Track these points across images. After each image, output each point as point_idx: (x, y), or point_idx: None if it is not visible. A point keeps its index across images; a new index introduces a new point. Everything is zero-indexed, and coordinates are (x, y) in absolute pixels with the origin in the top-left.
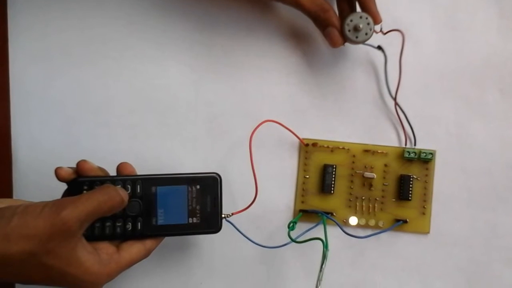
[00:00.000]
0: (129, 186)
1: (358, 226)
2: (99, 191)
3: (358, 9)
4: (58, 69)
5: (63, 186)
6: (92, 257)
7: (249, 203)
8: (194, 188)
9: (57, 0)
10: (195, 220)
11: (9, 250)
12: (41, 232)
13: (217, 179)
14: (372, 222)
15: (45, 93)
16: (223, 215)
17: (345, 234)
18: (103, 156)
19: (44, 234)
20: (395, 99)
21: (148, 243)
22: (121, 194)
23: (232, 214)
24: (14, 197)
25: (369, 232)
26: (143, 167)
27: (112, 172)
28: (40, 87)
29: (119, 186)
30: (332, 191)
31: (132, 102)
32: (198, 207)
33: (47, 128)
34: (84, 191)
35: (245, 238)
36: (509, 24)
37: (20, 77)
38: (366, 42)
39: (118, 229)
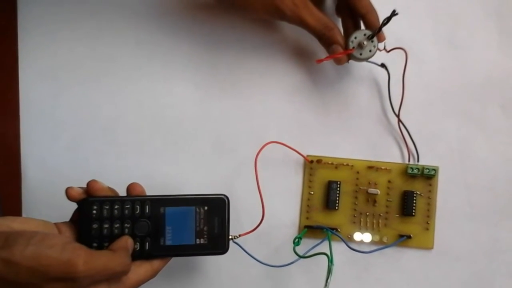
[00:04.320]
0: (138, 207)
1: (363, 241)
2: (119, 261)
3: (362, 26)
4: (66, 87)
5: (72, 204)
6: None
7: (255, 221)
8: (202, 209)
9: (66, 20)
10: (202, 241)
11: (16, 279)
12: (51, 272)
13: (225, 200)
14: (376, 238)
15: (53, 112)
16: (230, 237)
17: (350, 250)
18: (110, 174)
19: (54, 275)
20: (398, 116)
21: (156, 263)
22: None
23: (240, 235)
24: (24, 215)
25: (373, 247)
26: (149, 185)
27: (120, 190)
28: (49, 106)
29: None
30: (336, 207)
31: (140, 120)
32: (205, 228)
33: (56, 146)
34: (94, 212)
35: (251, 256)
36: (509, 41)
37: (30, 96)
38: (370, 60)
39: None
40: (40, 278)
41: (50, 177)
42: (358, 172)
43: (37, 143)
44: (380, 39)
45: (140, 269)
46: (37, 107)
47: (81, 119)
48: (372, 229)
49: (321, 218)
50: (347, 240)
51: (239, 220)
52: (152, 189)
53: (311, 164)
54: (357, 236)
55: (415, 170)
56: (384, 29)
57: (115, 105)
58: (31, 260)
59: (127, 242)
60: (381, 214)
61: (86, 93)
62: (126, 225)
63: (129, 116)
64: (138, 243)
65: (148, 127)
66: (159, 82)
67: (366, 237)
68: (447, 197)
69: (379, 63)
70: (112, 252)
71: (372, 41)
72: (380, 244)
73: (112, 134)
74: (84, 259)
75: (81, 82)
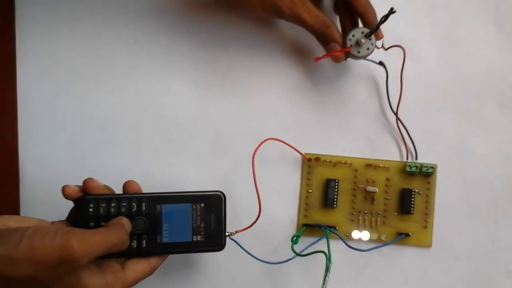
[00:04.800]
0: (134, 204)
1: (361, 240)
2: (114, 233)
3: (360, 24)
4: (64, 86)
5: (70, 203)
6: (98, 280)
7: (253, 218)
8: (198, 206)
9: (64, 19)
10: (199, 238)
11: (14, 273)
12: (48, 260)
13: (221, 197)
14: (374, 236)
15: (52, 111)
16: (227, 233)
17: (348, 248)
18: (108, 173)
19: (52, 262)
20: (396, 113)
21: (153, 260)
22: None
23: (236, 232)
24: (22, 213)
25: (371, 245)
26: (148, 183)
27: (118, 189)
28: (47, 105)
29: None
30: (335, 205)
31: (138, 119)
32: (202, 225)
33: (54, 145)
34: (90, 210)
35: (249, 253)
36: (508, 39)
37: (27, 95)
38: (368, 58)
39: None
40: (38, 269)
41: (48, 175)
42: (356, 170)
43: (35, 142)
44: (378, 37)
45: (138, 266)
46: (35, 106)
47: (79, 118)
48: (370, 227)
49: (319, 216)
50: (345, 238)
51: (238, 217)
52: (150, 188)
53: (310, 162)
54: (355, 234)
55: (413, 168)
56: (382, 27)
57: (113, 104)
58: (26, 252)
59: (121, 219)
60: (379, 212)
61: (84, 92)
62: None
63: (127, 114)
64: (135, 241)
65: (146, 126)
66: (157, 81)
67: (364, 235)
68: (446, 195)
69: (377, 61)
70: (107, 228)
71: (370, 39)
72: (378, 242)
73: (110, 133)
74: (79, 239)
75: (79, 81)
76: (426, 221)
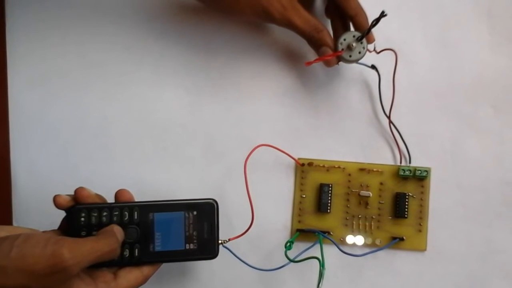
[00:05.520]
0: (126, 213)
1: (355, 244)
2: (105, 241)
3: (352, 28)
4: (56, 94)
5: (62, 211)
6: None
7: (247, 225)
8: (191, 214)
9: (55, 26)
10: (192, 246)
11: (5, 284)
12: (39, 269)
13: (214, 205)
14: (369, 240)
15: (43, 118)
16: (220, 241)
17: (342, 253)
18: (101, 180)
19: (43, 271)
20: (389, 117)
21: (146, 269)
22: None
23: (229, 240)
24: (14, 222)
25: (366, 250)
26: (140, 191)
27: (110, 198)
28: (38, 112)
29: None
30: (328, 210)
31: (130, 126)
32: (195, 233)
33: (46, 153)
34: (82, 219)
35: (242, 260)
36: (500, 41)
37: (19, 103)
38: (360, 61)
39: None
40: (29, 279)
41: (41, 184)
42: (349, 175)
43: (27, 150)
44: (370, 41)
45: (130, 275)
46: (27, 113)
47: (71, 126)
48: (364, 232)
49: (313, 222)
50: (339, 243)
51: (231, 224)
52: (143, 195)
53: (303, 167)
54: (350, 239)
55: (407, 172)
56: (374, 30)
57: (105, 111)
58: (17, 261)
59: (112, 227)
60: (374, 217)
61: (76, 99)
62: None
63: (119, 122)
64: (127, 250)
65: (138, 133)
66: (149, 87)
67: (359, 240)
68: (440, 198)
69: (369, 65)
70: (97, 236)
71: (362, 43)
72: (373, 247)
73: (103, 140)
74: (69, 247)
75: (71, 88)
76: (420, 225)
